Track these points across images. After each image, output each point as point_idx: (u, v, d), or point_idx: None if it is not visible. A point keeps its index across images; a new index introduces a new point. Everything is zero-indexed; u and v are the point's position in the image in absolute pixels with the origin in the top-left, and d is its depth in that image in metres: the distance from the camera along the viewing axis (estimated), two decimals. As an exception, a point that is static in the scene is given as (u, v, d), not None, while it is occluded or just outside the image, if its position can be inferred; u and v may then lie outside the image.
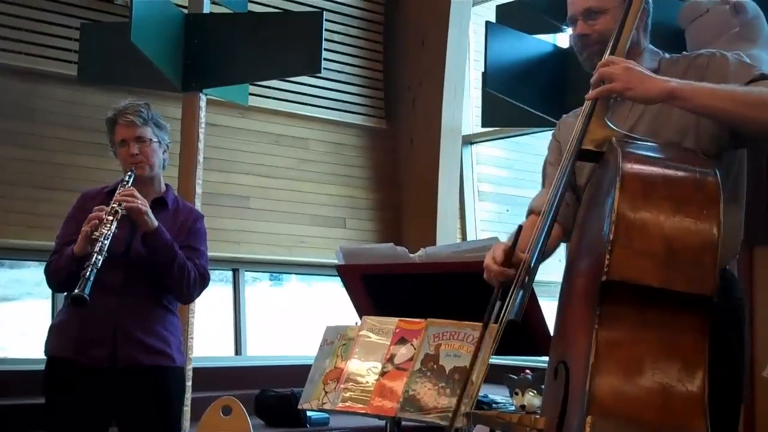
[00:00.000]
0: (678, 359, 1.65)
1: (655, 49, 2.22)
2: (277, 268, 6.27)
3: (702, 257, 1.67)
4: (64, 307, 3.06)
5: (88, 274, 2.73)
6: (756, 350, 2.76)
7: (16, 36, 5.11)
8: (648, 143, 1.90)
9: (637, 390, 1.63)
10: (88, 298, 2.71)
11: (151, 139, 3.07)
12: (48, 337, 3.06)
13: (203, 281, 3.09)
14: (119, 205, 2.87)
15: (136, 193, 2.93)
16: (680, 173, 1.77)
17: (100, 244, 2.78)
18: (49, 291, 5.03)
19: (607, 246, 1.65)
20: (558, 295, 1.98)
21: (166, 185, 3.19)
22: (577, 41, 2.20)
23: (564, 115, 2.39)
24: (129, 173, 3.02)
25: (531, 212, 2.29)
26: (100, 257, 2.77)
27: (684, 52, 2.21)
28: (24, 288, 5.40)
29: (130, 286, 2.96)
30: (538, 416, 1.84)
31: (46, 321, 4.98)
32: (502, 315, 1.90)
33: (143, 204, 2.90)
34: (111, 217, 2.84)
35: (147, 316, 3.00)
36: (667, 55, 2.20)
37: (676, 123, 2.06)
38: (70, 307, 2.98)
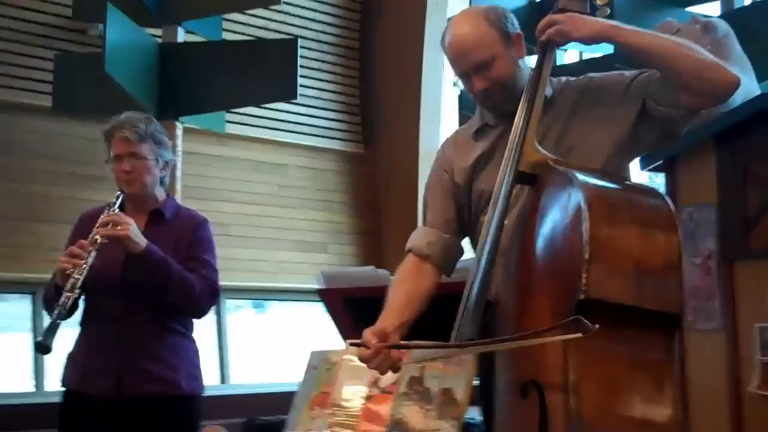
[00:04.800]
0: (649, 375, 1.70)
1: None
2: (259, 295, 6.25)
3: (668, 276, 1.74)
4: (78, 335, 2.95)
5: (54, 318, 2.61)
6: (740, 367, 2.76)
7: (-10, 69, 5.09)
8: (590, 170, 1.95)
9: (620, 407, 1.67)
10: (50, 345, 2.59)
11: (146, 157, 2.89)
12: (64, 368, 2.96)
13: (212, 293, 2.91)
14: (100, 234, 2.73)
15: (119, 217, 2.78)
16: (637, 197, 1.85)
17: (72, 280, 2.65)
18: (30, 324, 4.99)
19: (582, 265, 1.68)
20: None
21: (167, 195, 3.02)
22: (478, 95, 2.17)
23: (445, 141, 2.40)
24: (118, 194, 2.88)
25: (410, 251, 2.28)
26: (71, 296, 2.64)
27: (569, 78, 2.25)
28: (3, 321, 5.34)
29: (132, 311, 2.82)
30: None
31: (27, 354, 4.95)
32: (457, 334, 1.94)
33: (124, 228, 2.74)
34: (90, 248, 2.71)
35: (151, 342, 2.85)
36: (554, 79, 2.23)
37: (581, 136, 2.12)
38: (78, 336, 2.93)
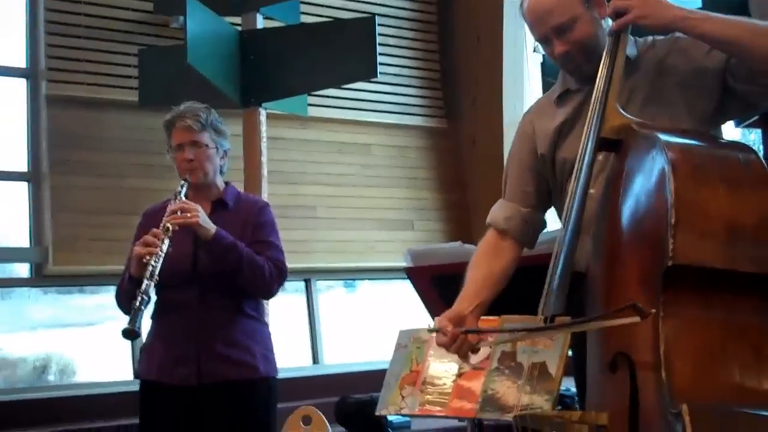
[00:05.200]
0: (747, 342, 1.61)
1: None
2: (348, 275, 6.28)
3: (763, 235, 1.64)
4: (151, 328, 3.02)
5: (138, 303, 2.66)
6: None
7: (77, 67, 5.22)
8: (674, 130, 1.88)
9: (715, 376, 1.60)
10: (138, 330, 2.65)
11: (207, 145, 2.96)
12: (139, 361, 3.05)
13: (280, 274, 2.95)
14: (171, 222, 2.78)
15: (188, 205, 2.83)
16: (724, 155, 1.78)
17: (150, 268, 2.70)
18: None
19: (669, 230, 1.62)
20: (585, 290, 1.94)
21: (226, 183, 3.08)
22: (559, 59, 2.12)
23: (527, 111, 2.36)
24: (182, 183, 2.93)
25: (490, 226, 2.26)
26: (150, 283, 2.68)
27: (656, 36, 2.15)
28: (105, 312, 5.50)
29: (206, 300, 2.89)
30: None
31: (126, 344, 5.09)
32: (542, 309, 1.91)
33: (194, 215, 2.79)
34: (163, 236, 2.75)
35: (227, 327, 2.91)
36: (640, 39, 2.15)
37: (667, 102, 2.04)
38: (153, 327, 2.99)
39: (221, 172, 3.07)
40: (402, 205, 6.28)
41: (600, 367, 1.86)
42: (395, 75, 6.34)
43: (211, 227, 2.82)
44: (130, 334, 2.65)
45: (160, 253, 2.72)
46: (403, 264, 2.93)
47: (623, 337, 1.74)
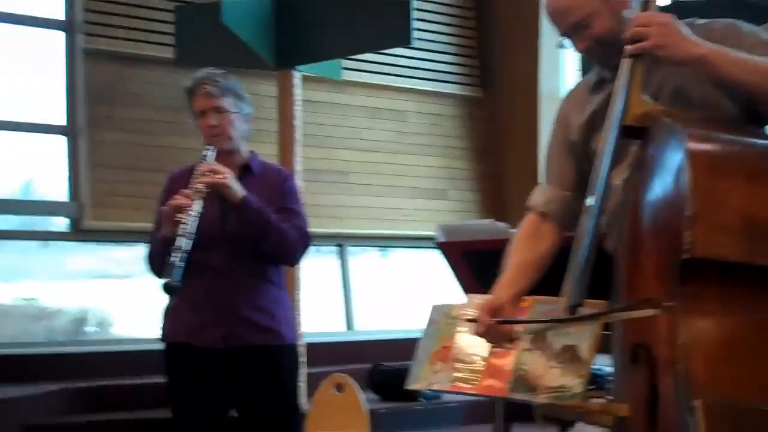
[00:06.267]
0: (766, 337, 1.58)
1: None
2: (380, 242, 6.29)
3: None
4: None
5: (175, 260, 2.67)
6: None
7: (114, 22, 5.24)
8: (699, 119, 1.83)
9: (734, 371, 1.56)
10: (180, 284, 2.68)
11: (229, 110, 2.96)
12: (164, 323, 3.06)
13: (304, 240, 2.98)
14: (201, 183, 2.79)
15: (217, 166, 2.84)
16: (745, 146, 1.73)
17: (187, 226, 2.72)
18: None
19: (686, 223, 1.58)
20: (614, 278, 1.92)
21: (251, 151, 3.09)
22: (583, 53, 2.09)
23: (564, 96, 2.31)
24: (207, 147, 2.93)
25: (529, 210, 2.22)
26: (187, 240, 2.71)
27: (695, 19, 2.05)
28: (139, 266, 5.55)
29: (234, 264, 2.91)
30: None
31: (163, 299, 5.14)
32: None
33: (224, 177, 2.81)
34: (194, 197, 2.76)
35: (254, 293, 2.94)
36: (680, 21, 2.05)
37: (696, 98, 1.96)
38: (181, 292, 3.01)
39: (245, 137, 3.08)
40: (436, 174, 6.26)
41: (621, 356, 1.84)
42: (432, 41, 6.28)
43: (240, 190, 2.84)
44: (171, 288, 2.68)
45: (191, 212, 2.74)
46: (435, 234, 2.92)
47: (642, 329, 1.71)
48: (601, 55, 2.07)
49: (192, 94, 3.00)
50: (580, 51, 2.08)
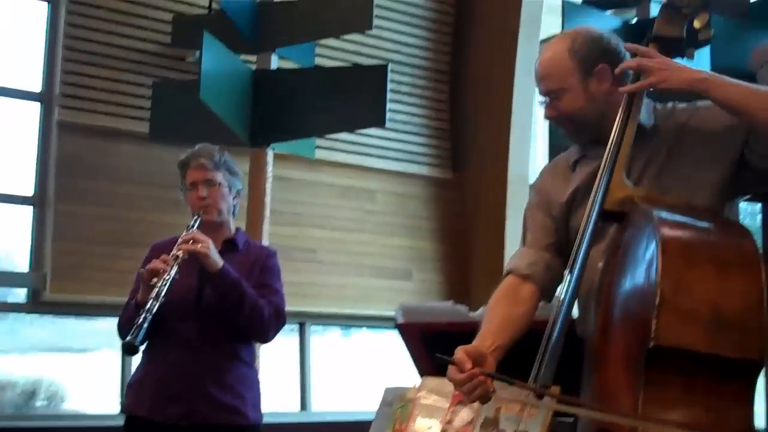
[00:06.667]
0: (728, 429, 1.61)
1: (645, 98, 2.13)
2: (343, 321, 6.26)
3: (748, 321, 1.62)
4: (141, 363, 3.01)
5: (140, 320, 2.67)
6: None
7: (91, 95, 5.25)
8: (676, 205, 1.86)
9: None
10: (139, 345, 2.66)
11: (220, 184, 3.01)
12: (126, 394, 3.03)
13: (279, 318, 2.97)
14: (180, 249, 2.81)
15: (199, 235, 2.86)
16: (718, 236, 1.76)
17: (157, 289, 2.72)
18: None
19: (653, 311, 1.60)
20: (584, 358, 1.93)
21: (237, 228, 3.12)
22: (549, 120, 2.15)
23: (544, 168, 2.33)
24: (195, 217, 2.97)
25: (509, 272, 2.18)
26: (156, 303, 2.70)
27: (677, 103, 2.13)
28: (99, 339, 5.48)
29: (205, 338, 2.89)
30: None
31: (117, 375, 5.08)
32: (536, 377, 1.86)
33: (204, 246, 2.83)
34: (172, 262, 2.78)
35: (222, 370, 2.92)
36: (658, 105, 2.13)
37: (682, 173, 2.01)
38: (145, 363, 2.97)
39: (233, 213, 3.11)
40: (401, 254, 6.26)
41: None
42: (404, 123, 6.36)
43: (219, 260, 2.85)
44: (131, 348, 2.67)
45: (166, 277, 2.75)
46: (395, 315, 2.93)
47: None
48: (566, 128, 2.12)
49: (185, 167, 3.05)
50: (546, 117, 2.12)
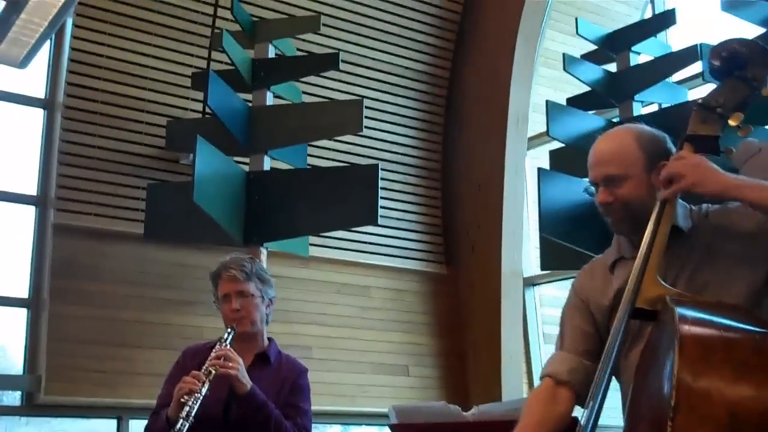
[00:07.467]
0: None
1: (681, 201, 2.14)
2: (341, 419, 6.18)
3: (766, 425, 1.57)
4: None
5: None
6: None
7: (87, 198, 5.33)
8: (703, 303, 1.85)
9: None
10: None
11: (253, 294, 3.00)
12: None
13: None
14: (212, 366, 2.80)
15: (231, 354, 2.85)
16: (739, 336, 1.72)
17: (188, 408, 2.70)
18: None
19: (669, 413, 1.57)
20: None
21: (269, 339, 3.11)
22: (600, 207, 2.13)
23: (583, 269, 2.32)
24: (229, 330, 2.94)
25: (547, 376, 2.19)
26: (186, 423, 2.68)
27: (710, 206, 2.14)
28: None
29: None
30: None
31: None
32: None
33: (235, 368, 2.81)
34: (204, 379, 2.77)
35: None
36: (694, 207, 2.15)
37: (717, 274, 2.02)
38: None
39: (267, 321, 3.10)
40: (398, 350, 6.25)
41: None
42: (397, 219, 6.44)
43: (248, 383, 2.84)
44: None
45: (198, 395, 2.74)
46: (388, 416, 2.92)
47: None
48: (618, 215, 2.10)
49: (217, 278, 3.05)
50: (599, 203, 2.10)
